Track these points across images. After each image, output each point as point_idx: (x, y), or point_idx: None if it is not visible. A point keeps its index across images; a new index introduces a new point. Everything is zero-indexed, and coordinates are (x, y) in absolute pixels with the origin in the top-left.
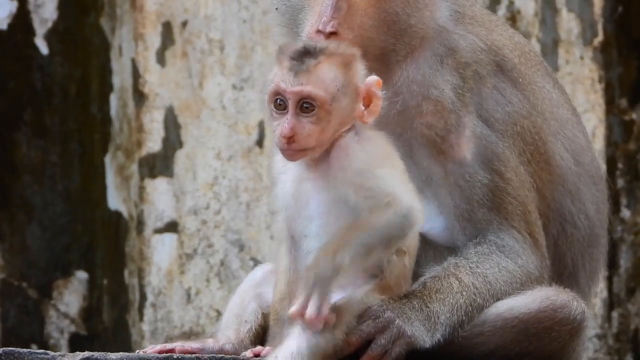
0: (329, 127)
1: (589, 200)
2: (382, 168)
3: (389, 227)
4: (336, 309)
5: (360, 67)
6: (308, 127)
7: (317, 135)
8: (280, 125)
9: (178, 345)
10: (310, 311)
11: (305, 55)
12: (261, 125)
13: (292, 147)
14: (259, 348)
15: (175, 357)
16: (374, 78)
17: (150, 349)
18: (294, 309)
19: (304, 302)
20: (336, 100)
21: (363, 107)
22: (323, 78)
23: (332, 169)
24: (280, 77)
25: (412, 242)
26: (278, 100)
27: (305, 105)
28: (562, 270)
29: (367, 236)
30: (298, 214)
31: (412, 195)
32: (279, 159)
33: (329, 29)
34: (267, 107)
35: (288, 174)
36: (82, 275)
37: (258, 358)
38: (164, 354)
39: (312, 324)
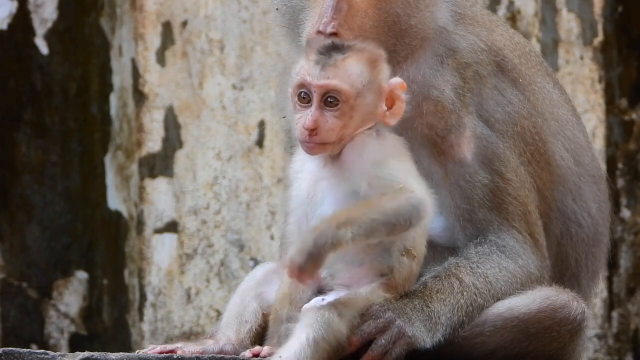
0: (351, 123)
1: (590, 199)
2: (396, 161)
3: (397, 211)
4: (340, 305)
5: (385, 67)
6: (331, 121)
7: (339, 130)
8: (303, 118)
9: (178, 348)
10: (297, 264)
11: (333, 49)
12: (261, 125)
13: (313, 140)
14: (257, 348)
15: (175, 357)
16: (398, 80)
17: (151, 349)
18: (285, 261)
19: (295, 257)
20: (361, 96)
21: (385, 108)
22: (350, 73)
23: (346, 164)
24: (307, 70)
25: (420, 248)
26: (302, 93)
27: (329, 99)
28: (564, 271)
29: (375, 216)
30: (312, 212)
31: (424, 189)
32: (297, 159)
33: (329, 29)
34: (290, 100)
35: (304, 174)
36: (82, 275)
37: (257, 358)
38: (164, 354)
39: (299, 277)
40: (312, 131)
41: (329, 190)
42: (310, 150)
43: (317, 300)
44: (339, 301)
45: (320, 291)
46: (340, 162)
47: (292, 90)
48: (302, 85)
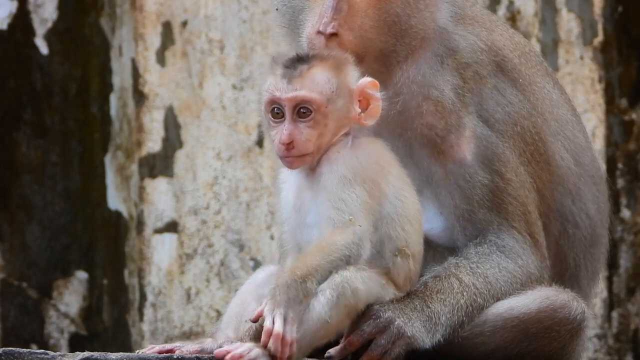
0: (326, 131)
1: (589, 200)
2: (360, 185)
3: (348, 245)
4: (361, 270)
5: (352, 69)
6: (306, 131)
7: (315, 140)
8: (279, 133)
9: (177, 347)
10: (277, 330)
11: (297, 61)
12: (261, 125)
13: (291, 154)
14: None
15: (175, 357)
16: (367, 79)
17: (149, 349)
18: (265, 325)
19: (272, 320)
20: (332, 102)
21: (359, 110)
22: (317, 81)
23: (321, 177)
24: (274, 85)
25: (416, 246)
26: (275, 109)
27: (302, 110)
28: (564, 271)
29: (331, 256)
30: (302, 222)
31: (368, 221)
32: (283, 169)
33: (329, 30)
34: (264, 118)
35: (290, 184)
36: (82, 275)
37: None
38: (164, 354)
39: (277, 345)
40: (289, 145)
41: (313, 201)
42: (290, 165)
43: None
44: (358, 268)
45: None
46: (316, 174)
47: (264, 107)
48: (272, 101)
